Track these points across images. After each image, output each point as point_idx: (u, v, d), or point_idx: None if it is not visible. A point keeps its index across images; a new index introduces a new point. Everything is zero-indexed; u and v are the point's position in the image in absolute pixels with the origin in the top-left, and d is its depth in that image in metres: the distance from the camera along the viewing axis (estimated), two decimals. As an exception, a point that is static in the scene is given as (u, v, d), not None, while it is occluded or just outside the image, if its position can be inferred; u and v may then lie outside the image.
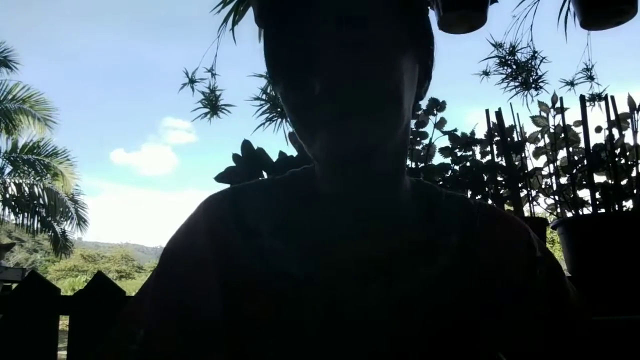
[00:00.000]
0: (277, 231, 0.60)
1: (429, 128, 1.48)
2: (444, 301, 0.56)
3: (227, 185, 1.39)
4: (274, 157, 1.40)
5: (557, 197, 1.46)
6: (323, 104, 0.51)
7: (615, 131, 1.39)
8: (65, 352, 1.40)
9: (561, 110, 1.46)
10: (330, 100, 0.51)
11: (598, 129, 1.41)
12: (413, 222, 0.62)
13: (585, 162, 1.39)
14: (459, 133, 1.50)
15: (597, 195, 1.34)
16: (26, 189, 10.61)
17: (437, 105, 1.46)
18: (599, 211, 1.33)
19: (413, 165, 1.49)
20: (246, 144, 1.39)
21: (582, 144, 1.41)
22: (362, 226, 0.60)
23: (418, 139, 1.49)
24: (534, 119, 1.53)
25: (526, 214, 1.45)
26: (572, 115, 1.45)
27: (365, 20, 0.53)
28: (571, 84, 2.39)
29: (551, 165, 1.48)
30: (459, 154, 1.50)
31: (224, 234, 0.60)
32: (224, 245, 0.60)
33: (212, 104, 2.27)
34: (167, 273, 0.62)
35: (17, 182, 10.55)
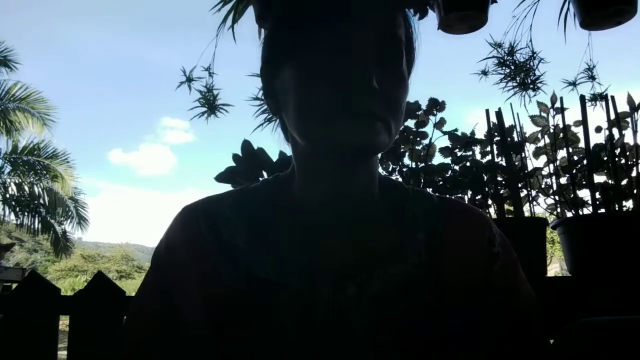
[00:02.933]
0: (251, 239, 0.62)
1: (428, 128, 1.48)
2: (416, 299, 0.57)
3: (227, 185, 1.40)
4: (274, 157, 1.40)
5: (557, 197, 1.46)
6: (355, 96, 0.54)
7: (615, 131, 1.39)
8: (65, 352, 1.40)
9: (561, 110, 1.46)
10: (363, 95, 0.54)
11: (598, 129, 1.41)
12: (384, 222, 0.64)
13: (585, 162, 1.39)
14: (459, 133, 1.50)
15: (597, 195, 1.34)
16: (26, 188, 10.61)
17: (437, 105, 1.46)
18: (599, 211, 1.33)
19: (413, 165, 1.49)
20: (246, 144, 1.40)
21: (582, 144, 1.41)
22: (337, 228, 0.62)
23: (418, 139, 1.49)
24: (533, 118, 1.53)
25: (526, 214, 1.45)
26: (572, 115, 1.45)
27: (398, 41, 0.59)
28: (573, 84, 2.39)
29: (551, 165, 1.48)
30: (459, 154, 1.50)
31: (201, 243, 0.62)
32: (202, 255, 0.61)
33: (210, 103, 2.27)
34: (153, 288, 0.65)
35: (17, 181, 10.54)
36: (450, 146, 1.51)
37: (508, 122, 1.48)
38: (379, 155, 0.64)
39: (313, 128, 0.57)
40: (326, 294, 0.56)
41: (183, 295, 0.61)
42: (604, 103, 1.42)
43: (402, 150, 1.49)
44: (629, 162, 1.36)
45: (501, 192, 1.46)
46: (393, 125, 0.57)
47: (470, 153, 1.50)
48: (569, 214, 1.41)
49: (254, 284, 0.58)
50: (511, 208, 1.45)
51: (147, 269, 0.68)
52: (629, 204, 1.34)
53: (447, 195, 0.71)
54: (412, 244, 0.61)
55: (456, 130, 1.50)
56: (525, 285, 0.65)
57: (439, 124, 1.49)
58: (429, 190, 1.44)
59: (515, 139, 1.49)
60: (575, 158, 1.42)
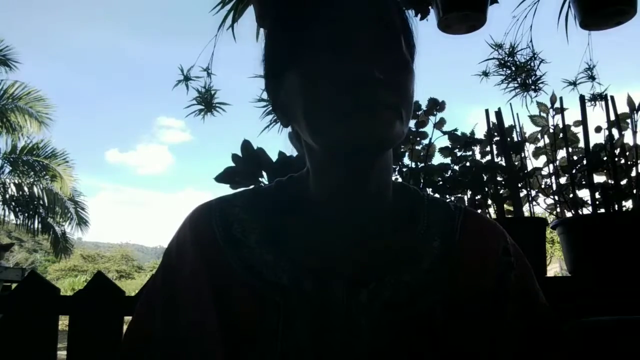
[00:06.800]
0: (264, 240, 0.61)
1: (428, 128, 1.48)
2: (427, 306, 0.57)
3: (226, 186, 1.40)
4: (274, 157, 1.40)
5: (556, 197, 1.46)
6: (361, 90, 0.53)
7: (615, 131, 1.39)
8: (65, 352, 1.40)
9: (561, 111, 1.46)
10: (369, 88, 0.53)
11: (598, 129, 1.41)
12: (397, 228, 0.63)
13: (585, 162, 1.39)
14: (458, 133, 1.50)
15: (597, 195, 1.34)
16: (26, 189, 10.61)
17: (437, 105, 1.46)
18: (598, 211, 1.33)
19: (413, 165, 1.49)
20: (246, 144, 1.39)
21: (581, 144, 1.41)
22: (350, 232, 0.61)
23: (418, 139, 1.49)
24: (533, 118, 1.53)
25: (526, 214, 1.45)
26: (572, 115, 1.45)
27: (394, 25, 0.58)
28: (574, 84, 2.39)
29: (551, 165, 1.48)
30: (458, 154, 1.50)
31: (212, 246, 0.61)
32: (213, 258, 0.61)
33: (207, 102, 2.27)
34: (162, 288, 0.64)
35: (16, 182, 10.53)
36: (450, 146, 1.51)
37: (508, 122, 1.48)
38: (391, 155, 0.63)
39: (324, 130, 0.56)
40: (339, 299, 0.56)
41: (192, 296, 0.60)
42: (603, 103, 1.42)
43: (402, 150, 1.49)
44: (629, 162, 1.36)
45: (501, 192, 1.46)
46: (404, 111, 0.56)
47: (470, 153, 1.50)
48: (569, 214, 1.41)
49: (265, 286, 0.57)
50: (511, 208, 1.46)
51: (148, 267, 0.66)
52: (628, 204, 1.35)
53: (463, 206, 0.70)
54: (426, 250, 0.61)
55: (456, 130, 1.50)
56: (540, 295, 0.65)
57: (439, 124, 1.49)
58: (429, 190, 1.44)
59: (515, 139, 1.49)
60: (575, 158, 1.42)
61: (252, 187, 0.71)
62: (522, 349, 0.60)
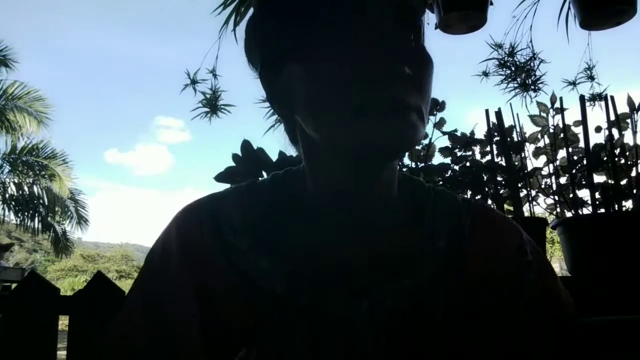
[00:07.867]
0: (258, 244, 0.56)
1: (428, 128, 1.48)
2: (432, 311, 0.54)
3: (227, 186, 1.39)
4: (274, 156, 1.40)
5: (556, 197, 1.46)
6: (388, 88, 0.47)
7: (615, 131, 1.39)
8: (65, 352, 1.40)
9: (561, 110, 1.46)
10: (397, 86, 0.47)
11: (598, 129, 1.41)
12: (401, 227, 0.58)
13: (585, 162, 1.39)
14: (458, 133, 1.50)
15: (597, 195, 1.34)
16: (26, 188, 10.61)
17: (437, 105, 1.46)
18: (598, 211, 1.33)
19: (413, 165, 1.49)
20: (246, 144, 1.39)
21: (581, 144, 1.41)
22: (352, 233, 0.57)
23: (418, 139, 1.48)
24: (533, 118, 1.53)
25: (526, 214, 1.45)
26: (572, 115, 1.45)
27: (416, 14, 0.52)
28: (573, 83, 2.39)
29: (551, 165, 1.48)
30: (458, 154, 1.50)
31: (200, 250, 0.57)
32: (201, 260, 0.56)
33: (212, 104, 2.28)
34: (144, 296, 0.60)
35: (16, 181, 10.54)
36: (450, 146, 1.51)
37: (508, 122, 1.48)
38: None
39: (341, 130, 0.49)
40: (338, 309, 0.52)
41: (177, 304, 0.56)
42: (603, 103, 1.42)
43: (402, 150, 1.49)
44: (629, 162, 1.36)
45: (501, 192, 1.46)
46: (425, 112, 0.51)
47: (470, 153, 1.50)
48: (569, 214, 1.41)
49: (258, 296, 0.53)
50: (511, 208, 1.46)
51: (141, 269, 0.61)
52: (628, 204, 1.34)
53: (472, 200, 0.65)
54: (431, 252, 0.56)
55: (456, 130, 1.50)
56: (564, 293, 0.60)
57: (439, 124, 1.49)
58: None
59: (515, 139, 1.49)
60: (575, 158, 1.42)
61: (246, 182, 0.64)
62: (555, 350, 0.57)
